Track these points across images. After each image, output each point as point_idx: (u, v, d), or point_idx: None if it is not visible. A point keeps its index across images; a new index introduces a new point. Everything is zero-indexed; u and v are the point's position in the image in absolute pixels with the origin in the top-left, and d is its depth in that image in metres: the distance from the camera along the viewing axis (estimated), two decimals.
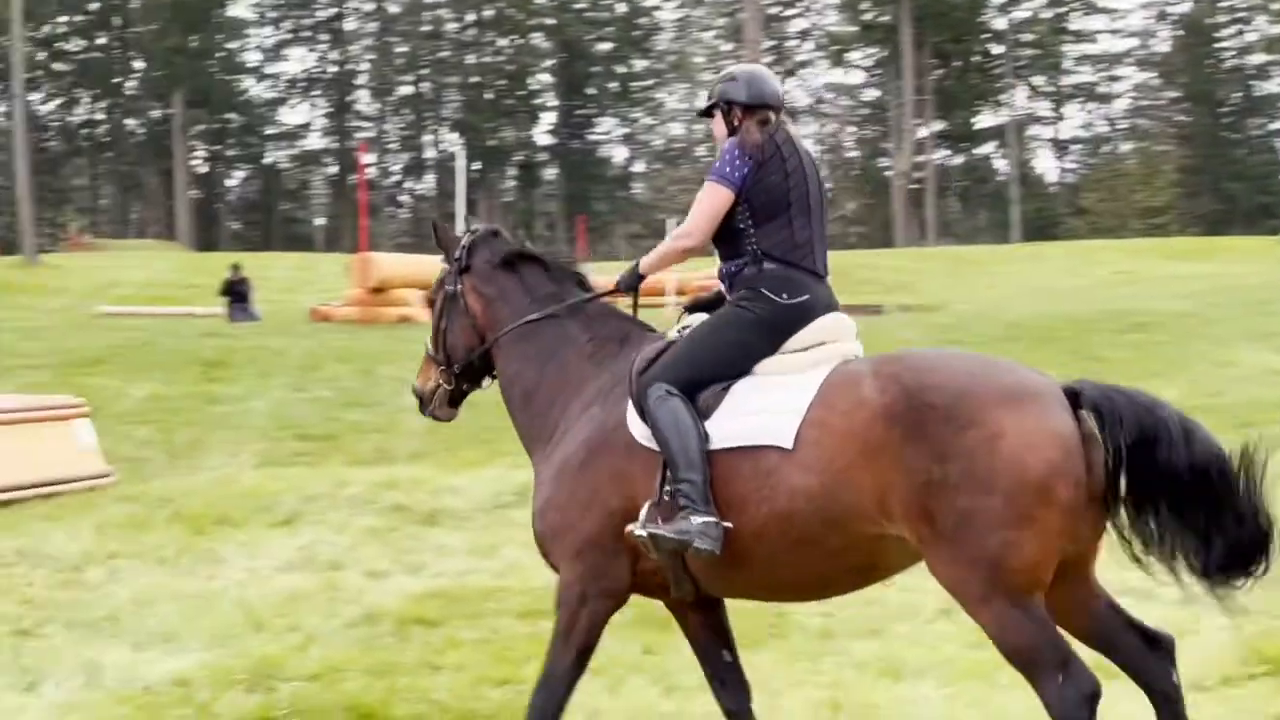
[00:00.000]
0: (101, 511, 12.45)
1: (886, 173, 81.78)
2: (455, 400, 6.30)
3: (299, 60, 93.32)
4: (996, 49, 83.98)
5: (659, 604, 5.92)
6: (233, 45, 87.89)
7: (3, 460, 13.12)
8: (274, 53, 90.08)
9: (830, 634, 8.08)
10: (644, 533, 5.39)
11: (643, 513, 5.43)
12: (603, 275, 6.37)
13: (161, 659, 7.74)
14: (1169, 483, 5.03)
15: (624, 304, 6.19)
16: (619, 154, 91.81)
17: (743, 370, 5.58)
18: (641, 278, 5.97)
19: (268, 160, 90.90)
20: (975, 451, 4.97)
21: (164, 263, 52.20)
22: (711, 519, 5.29)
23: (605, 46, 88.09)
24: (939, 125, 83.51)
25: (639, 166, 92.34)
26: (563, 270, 6.19)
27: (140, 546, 10.83)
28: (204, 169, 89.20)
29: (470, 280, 6.19)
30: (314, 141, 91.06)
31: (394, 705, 6.84)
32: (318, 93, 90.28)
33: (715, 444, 5.40)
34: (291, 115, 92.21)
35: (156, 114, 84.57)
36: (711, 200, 5.68)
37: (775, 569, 5.35)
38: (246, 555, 10.54)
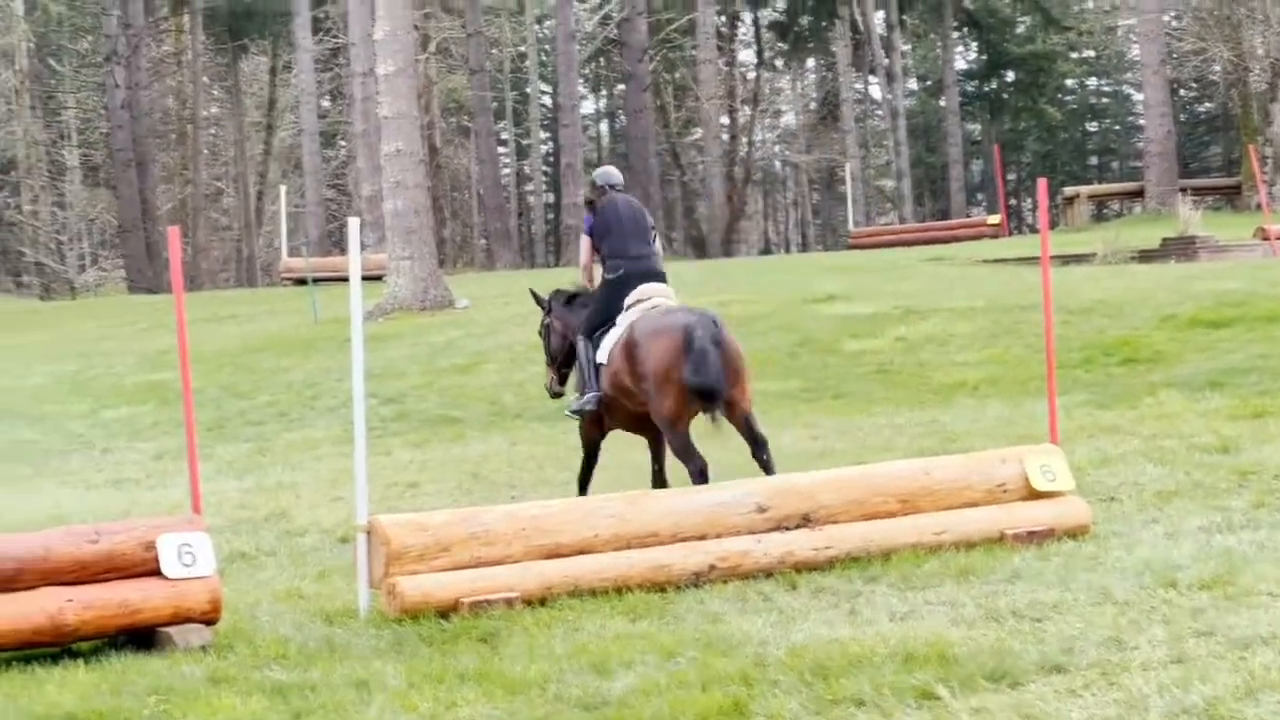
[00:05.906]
0: None
1: None
2: (562, 381, 11.79)
3: None
4: None
5: None
6: None
7: None
8: None
9: None
10: (568, 411, 11.37)
11: (572, 398, 11.37)
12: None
13: None
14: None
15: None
16: None
17: (612, 318, 10.91)
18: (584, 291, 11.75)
19: None
20: (643, 361, 10.28)
21: None
22: (595, 394, 10.86)
23: None
24: None
25: None
26: (580, 296, 11.67)
27: None
28: None
29: (553, 317, 11.84)
30: None
31: None
32: None
33: (598, 360, 10.89)
34: None
35: None
36: (582, 244, 11.49)
37: (627, 420, 10.93)
38: None
